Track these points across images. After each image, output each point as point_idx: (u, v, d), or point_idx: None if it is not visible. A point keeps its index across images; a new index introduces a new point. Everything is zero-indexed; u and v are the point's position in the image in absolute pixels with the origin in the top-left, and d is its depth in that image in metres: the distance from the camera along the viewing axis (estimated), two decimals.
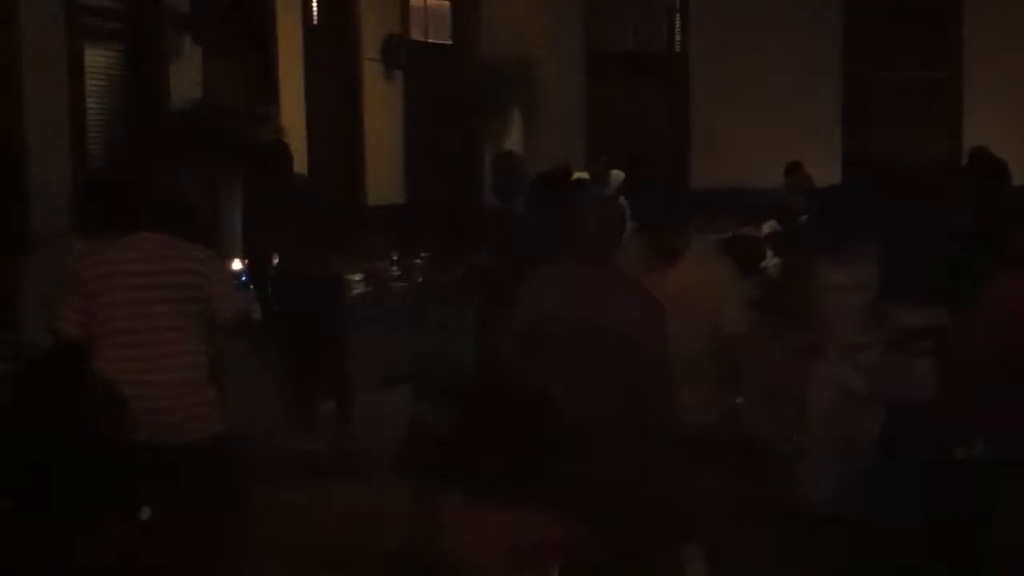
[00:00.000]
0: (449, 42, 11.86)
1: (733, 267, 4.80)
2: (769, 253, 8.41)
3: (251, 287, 7.36)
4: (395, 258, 9.30)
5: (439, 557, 2.34)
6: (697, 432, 3.84)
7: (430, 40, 11.56)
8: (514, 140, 11.39)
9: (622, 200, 6.69)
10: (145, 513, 2.65)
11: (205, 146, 7.74)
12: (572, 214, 3.70)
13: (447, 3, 11.78)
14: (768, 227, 9.07)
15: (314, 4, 9.95)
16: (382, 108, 10.76)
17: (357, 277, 8.38)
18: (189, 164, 7.57)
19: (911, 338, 3.86)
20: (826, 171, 10.17)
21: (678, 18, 12.45)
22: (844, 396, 4.86)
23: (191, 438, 3.93)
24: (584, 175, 9.45)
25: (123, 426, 2.61)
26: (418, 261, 9.22)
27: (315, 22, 9.95)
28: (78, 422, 2.51)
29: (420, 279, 5.84)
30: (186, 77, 8.22)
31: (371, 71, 10.58)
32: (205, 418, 4.03)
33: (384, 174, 10.73)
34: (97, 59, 7.72)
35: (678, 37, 12.48)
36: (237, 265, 7.71)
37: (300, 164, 8.11)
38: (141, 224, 4.13)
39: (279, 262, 7.22)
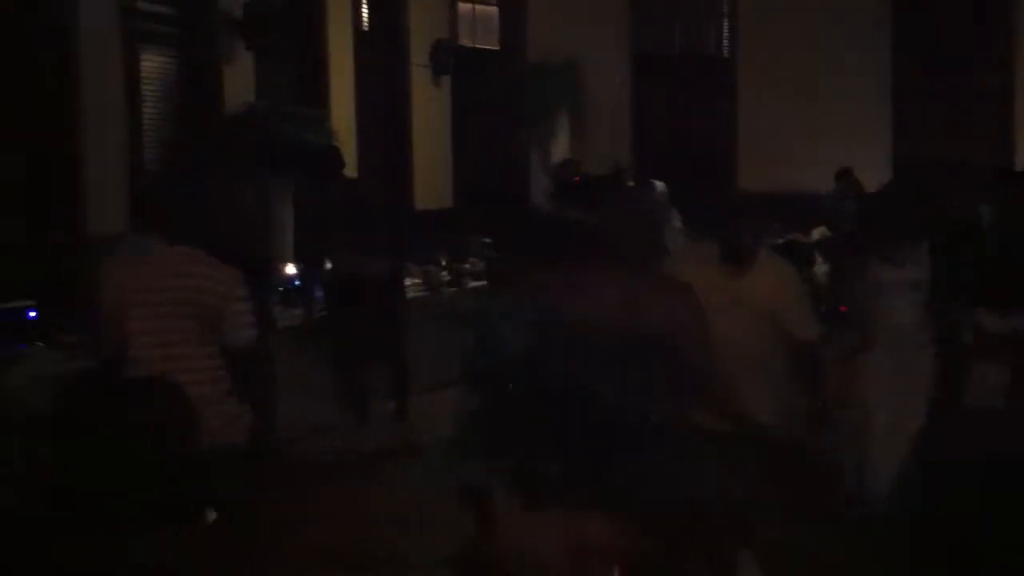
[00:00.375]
0: (497, 47, 11.90)
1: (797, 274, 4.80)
2: (819, 259, 8.36)
3: (305, 290, 7.44)
4: (444, 263, 9.33)
5: (494, 558, 2.34)
6: (765, 435, 3.82)
7: (478, 45, 11.60)
8: (560, 144, 11.41)
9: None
10: (210, 516, 2.69)
11: (258, 150, 7.81)
12: (612, 216, 3.69)
13: (495, 8, 11.82)
14: (818, 233, 9.02)
15: (364, 9, 10.02)
16: (430, 112, 10.81)
17: (413, 281, 8.42)
18: (241, 168, 7.66)
19: (993, 343, 3.83)
20: (876, 177, 10.08)
21: (726, 22, 12.41)
22: (900, 396, 4.84)
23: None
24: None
25: (190, 434, 2.66)
26: (467, 265, 9.26)
27: (365, 27, 10.03)
28: (148, 430, 2.56)
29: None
30: (239, 81, 8.32)
31: (419, 76, 10.65)
32: (217, 432, 4.02)
33: (432, 178, 10.79)
34: (152, 64, 7.83)
35: (726, 41, 12.44)
36: (291, 269, 7.79)
37: (350, 168, 8.18)
38: (176, 236, 4.14)
39: (332, 265, 7.28)
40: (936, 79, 11.68)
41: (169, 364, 3.95)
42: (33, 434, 5.37)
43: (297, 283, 7.63)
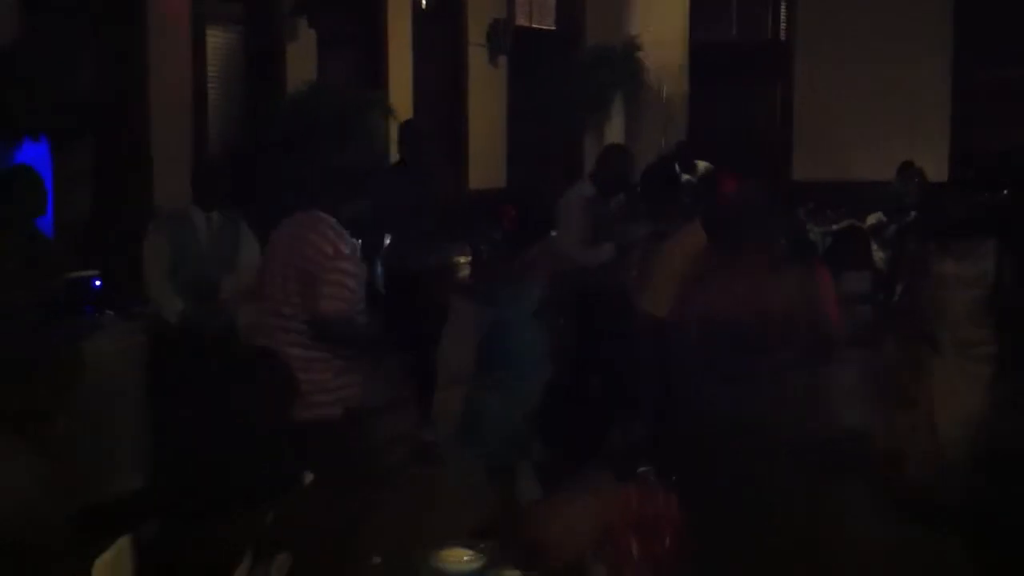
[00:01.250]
0: (553, 27, 11.92)
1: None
2: (874, 246, 8.34)
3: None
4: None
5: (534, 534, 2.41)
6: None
7: (535, 25, 11.63)
8: (616, 127, 11.42)
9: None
10: (307, 478, 2.79)
11: (321, 129, 7.90)
12: (737, 207, 3.71)
13: None
14: (873, 219, 8.99)
15: None
16: (486, 93, 10.86)
17: (464, 260, 8.48)
18: (305, 147, 7.76)
19: None
20: (931, 166, 10.05)
21: (783, 7, 12.34)
22: (964, 392, 4.84)
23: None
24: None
25: (290, 404, 2.75)
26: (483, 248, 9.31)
27: (424, 7, 10.08)
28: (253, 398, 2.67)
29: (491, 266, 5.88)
30: (302, 60, 8.42)
31: (476, 56, 10.70)
32: (307, 400, 4.06)
33: (486, 158, 10.85)
34: (218, 42, 7.94)
35: (783, 26, 12.38)
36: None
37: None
38: (300, 203, 4.26)
39: (390, 245, 7.30)
40: (997, 70, 11.54)
41: (273, 328, 4.09)
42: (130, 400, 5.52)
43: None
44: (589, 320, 4.64)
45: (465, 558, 2.48)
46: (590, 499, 2.04)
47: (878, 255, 8.43)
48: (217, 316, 5.67)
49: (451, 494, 5.40)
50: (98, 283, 6.54)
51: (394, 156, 7.66)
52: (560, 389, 4.34)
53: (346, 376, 4.19)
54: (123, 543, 2.73)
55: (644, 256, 5.47)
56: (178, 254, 5.70)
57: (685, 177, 8.83)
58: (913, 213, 7.69)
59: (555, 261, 4.95)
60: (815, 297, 3.52)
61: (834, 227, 9.19)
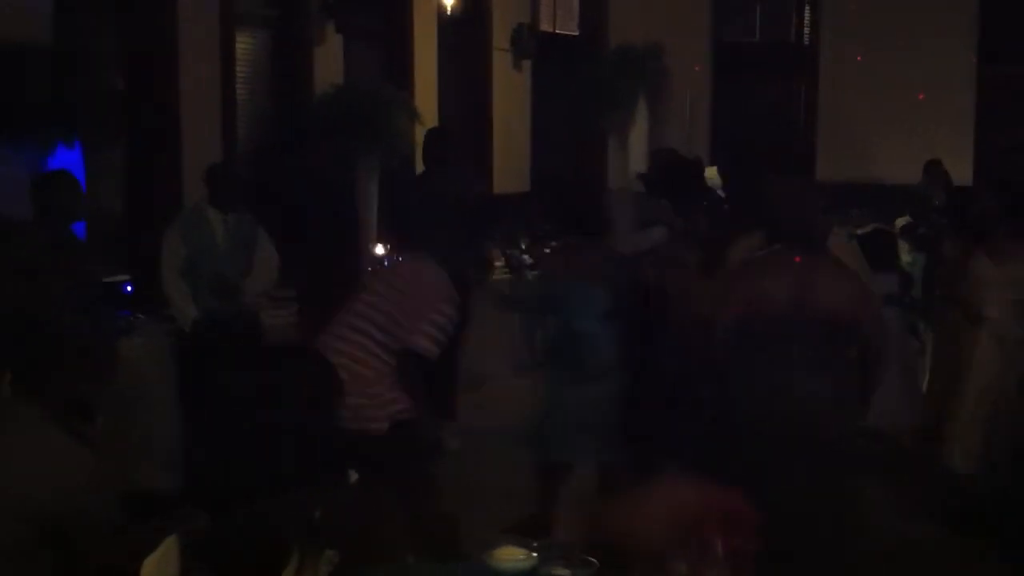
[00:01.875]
0: (576, 32, 11.93)
1: (863, 258, 4.80)
2: (904, 248, 8.31)
3: None
4: (523, 246, 9.39)
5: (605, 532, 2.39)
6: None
7: (559, 30, 11.64)
8: (639, 130, 11.42)
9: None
10: (352, 477, 2.79)
11: (347, 131, 7.92)
12: (786, 201, 3.69)
13: None
14: (902, 221, 8.95)
15: None
16: (510, 97, 10.87)
17: (498, 263, 8.48)
18: (332, 149, 7.78)
19: None
20: (957, 168, 10.01)
21: (808, 9, 12.32)
22: (1005, 391, 4.83)
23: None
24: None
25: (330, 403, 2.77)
26: (547, 250, 9.30)
27: (448, 11, 10.10)
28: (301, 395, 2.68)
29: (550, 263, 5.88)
30: (329, 63, 8.44)
31: (501, 60, 10.71)
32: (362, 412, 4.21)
33: (511, 162, 10.86)
34: (247, 44, 7.98)
35: (807, 29, 12.35)
36: (380, 250, 7.89)
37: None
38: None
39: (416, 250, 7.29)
40: (1021, 69, 11.49)
41: (352, 342, 4.28)
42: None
43: (386, 264, 7.73)
44: (659, 321, 4.64)
45: (520, 556, 2.49)
46: (670, 496, 2.02)
47: (906, 258, 8.39)
48: (240, 315, 5.73)
49: (491, 496, 5.40)
50: (129, 288, 6.61)
51: (419, 161, 7.69)
52: (639, 390, 4.38)
53: (397, 392, 4.35)
54: (170, 542, 2.74)
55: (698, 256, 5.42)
56: (195, 253, 5.76)
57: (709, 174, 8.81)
58: (941, 214, 7.66)
59: (612, 261, 4.97)
60: (863, 296, 3.51)
61: (859, 231, 9.15)
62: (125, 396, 4.70)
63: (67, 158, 6.05)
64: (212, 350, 5.43)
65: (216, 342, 5.54)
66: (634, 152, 11.28)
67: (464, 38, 10.38)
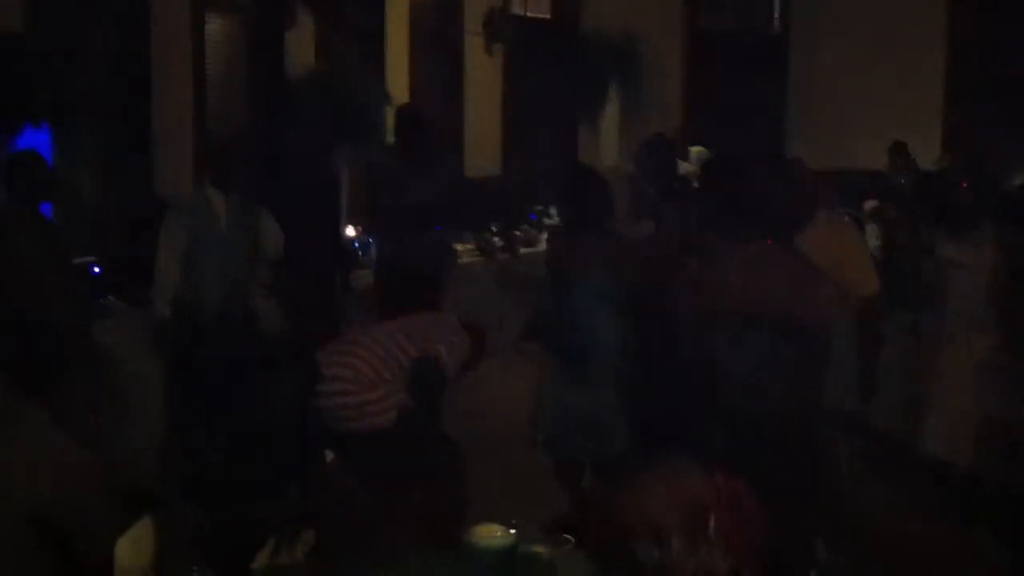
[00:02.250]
0: (549, 16, 11.91)
1: (860, 237, 4.81)
2: (874, 231, 8.37)
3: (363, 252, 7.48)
4: (495, 230, 9.42)
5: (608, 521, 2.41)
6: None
7: (530, 14, 11.62)
8: (611, 116, 11.43)
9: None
10: (328, 456, 2.81)
11: (321, 117, 7.89)
12: (762, 190, 3.69)
13: None
14: (870, 205, 9.03)
15: None
16: (483, 82, 10.85)
17: (467, 247, 8.50)
18: (305, 135, 7.75)
19: None
20: (926, 154, 10.12)
21: None
22: (967, 378, 4.86)
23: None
24: None
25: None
26: (518, 233, 9.34)
27: None
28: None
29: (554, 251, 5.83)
30: (301, 47, 8.40)
31: (473, 45, 10.68)
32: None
33: (483, 147, 10.85)
34: (217, 28, 7.92)
35: (777, 17, 12.40)
36: (351, 231, 7.88)
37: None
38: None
39: (388, 232, 7.24)
40: (990, 59, 11.57)
41: (361, 345, 4.43)
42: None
43: (356, 245, 7.73)
44: (665, 312, 4.64)
45: (498, 534, 2.51)
46: (668, 479, 2.05)
47: (875, 242, 8.45)
48: (237, 306, 5.64)
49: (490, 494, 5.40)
50: (97, 269, 6.52)
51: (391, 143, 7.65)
52: (642, 380, 4.38)
53: (396, 387, 4.46)
54: (144, 523, 2.74)
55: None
56: (197, 243, 5.61)
57: (684, 164, 8.84)
58: (908, 197, 7.73)
59: (615, 249, 4.93)
60: (812, 288, 3.51)
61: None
62: (115, 384, 4.69)
63: (35, 139, 5.99)
64: (199, 339, 5.38)
65: (203, 331, 5.46)
66: (606, 138, 11.30)
67: (437, 22, 10.35)
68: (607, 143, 11.31)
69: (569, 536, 2.62)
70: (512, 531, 2.56)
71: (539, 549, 2.60)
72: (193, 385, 4.61)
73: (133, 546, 2.64)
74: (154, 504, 2.82)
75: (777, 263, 3.52)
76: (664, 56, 11.72)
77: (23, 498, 2.75)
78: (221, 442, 2.65)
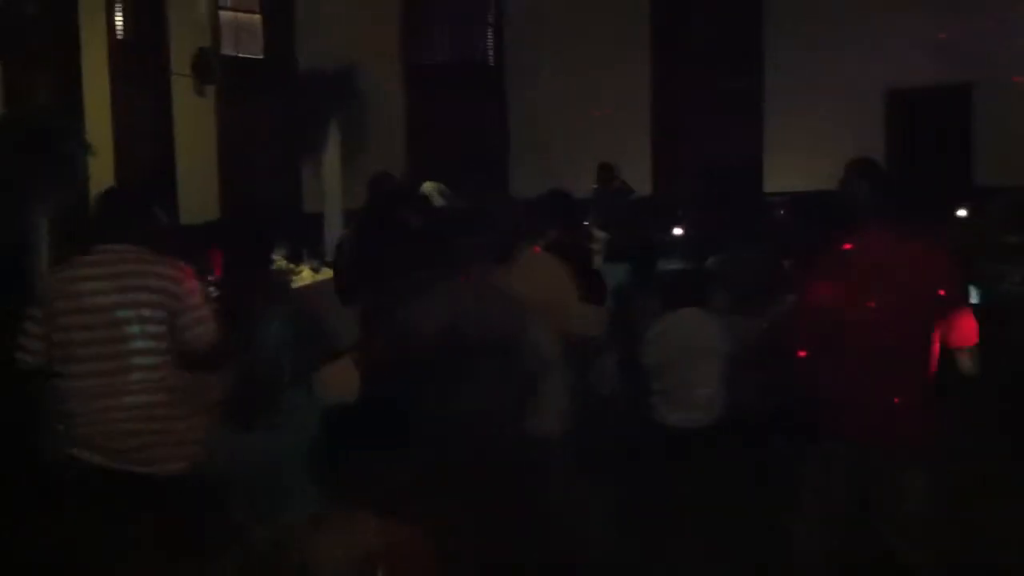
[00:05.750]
0: (261, 56, 11.65)
1: (559, 266, 4.79)
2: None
3: None
4: (211, 278, 9.00)
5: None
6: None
7: (242, 54, 11.32)
8: (332, 151, 11.26)
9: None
10: None
11: (9, 163, 7.33)
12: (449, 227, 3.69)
13: (259, 16, 11.57)
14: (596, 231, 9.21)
15: (119, 17, 9.60)
16: (194, 123, 10.47)
17: None
18: None
19: None
20: (637, 179, 10.56)
21: (490, 32, 12.56)
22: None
23: (153, 469, 3.58)
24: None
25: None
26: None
27: (120, 36, 9.62)
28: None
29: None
30: None
31: (182, 86, 10.29)
32: (160, 448, 3.61)
33: (197, 190, 10.43)
34: None
35: (490, 50, 12.59)
36: None
37: (108, 178, 7.77)
38: (109, 235, 3.73)
39: None
40: (692, 77, 12.02)
41: (104, 377, 3.57)
42: None
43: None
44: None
45: None
46: (345, 529, 2.02)
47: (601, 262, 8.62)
48: None
49: None
50: None
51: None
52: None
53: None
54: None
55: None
56: None
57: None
58: (624, 217, 7.91)
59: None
60: (510, 317, 3.52)
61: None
62: None
63: None
64: None
65: None
66: (328, 174, 11.11)
67: (139, 63, 9.91)
68: (331, 182, 11.11)
69: None
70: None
71: None
72: None
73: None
74: None
75: (473, 297, 3.52)
76: (383, 92, 11.66)
77: None
78: None
